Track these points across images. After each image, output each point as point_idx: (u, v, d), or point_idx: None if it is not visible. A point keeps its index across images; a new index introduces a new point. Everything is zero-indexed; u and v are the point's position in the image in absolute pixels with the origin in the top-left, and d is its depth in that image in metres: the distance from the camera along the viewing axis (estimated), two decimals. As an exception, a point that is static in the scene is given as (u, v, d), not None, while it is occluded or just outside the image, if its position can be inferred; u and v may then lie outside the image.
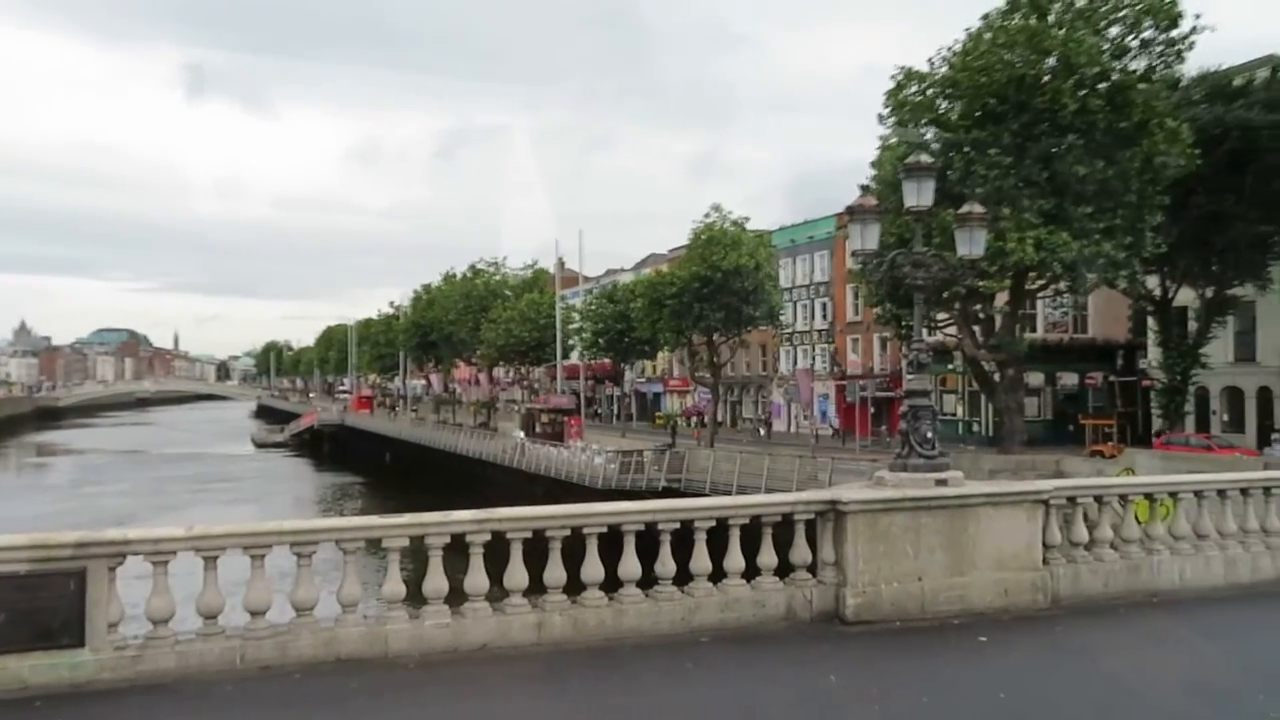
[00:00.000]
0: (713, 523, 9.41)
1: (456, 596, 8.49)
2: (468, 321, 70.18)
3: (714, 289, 41.38)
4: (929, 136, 28.18)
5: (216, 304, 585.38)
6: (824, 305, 64.26)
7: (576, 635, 8.69)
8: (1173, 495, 11.69)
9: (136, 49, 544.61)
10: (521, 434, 56.20)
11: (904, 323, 31.57)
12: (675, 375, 75.82)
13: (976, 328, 30.64)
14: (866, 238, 10.33)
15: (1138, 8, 26.70)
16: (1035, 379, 51.31)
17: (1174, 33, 26.91)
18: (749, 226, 45.24)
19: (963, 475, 10.58)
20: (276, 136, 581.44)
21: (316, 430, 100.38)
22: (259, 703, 7.19)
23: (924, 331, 11.20)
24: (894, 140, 28.88)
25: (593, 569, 8.89)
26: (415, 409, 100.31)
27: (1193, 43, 27.00)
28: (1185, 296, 40.09)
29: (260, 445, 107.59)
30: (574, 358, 68.55)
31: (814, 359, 64.25)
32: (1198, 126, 32.07)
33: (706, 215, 44.47)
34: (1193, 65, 33.03)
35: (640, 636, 8.82)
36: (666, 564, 9.20)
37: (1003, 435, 31.36)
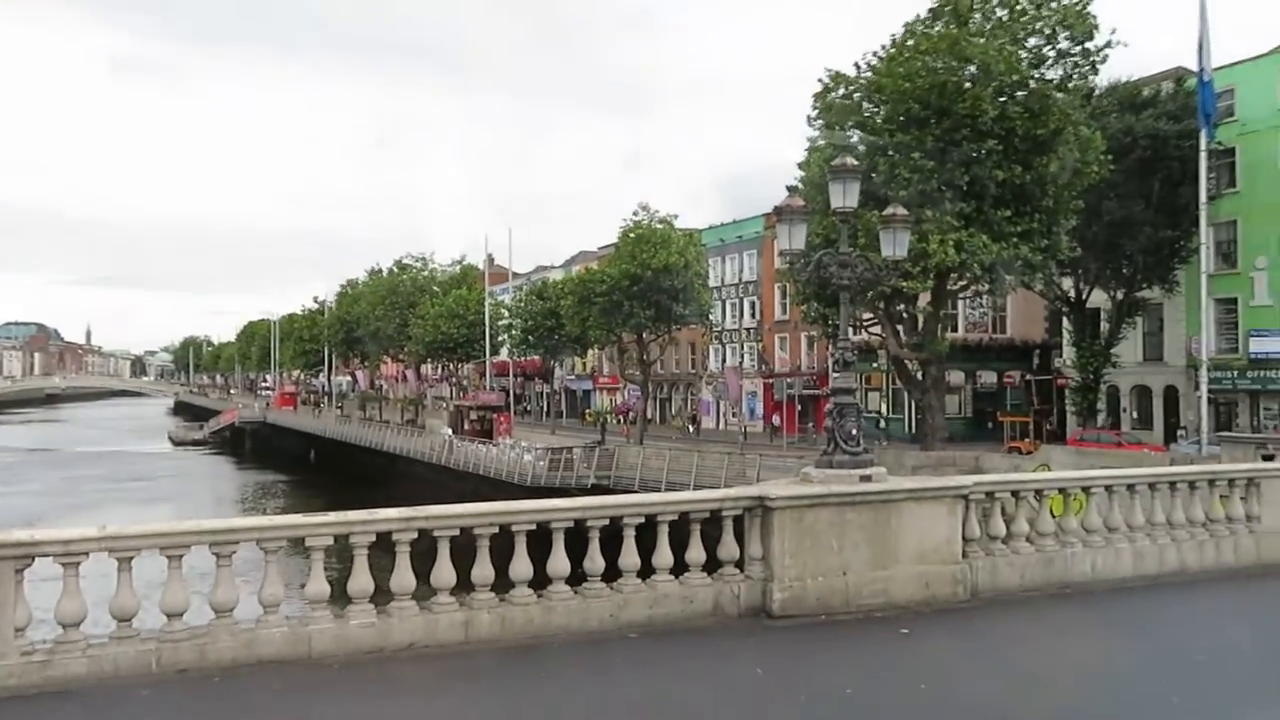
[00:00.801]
0: (641, 519, 9.46)
1: (383, 596, 8.40)
2: (394, 317, 69.31)
3: (643, 287, 41.54)
4: (855, 139, 28.69)
5: (132, 297, 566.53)
6: (752, 304, 64.93)
7: (504, 633, 8.66)
8: (1085, 490, 12.13)
9: (49, 29, 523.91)
10: (449, 431, 55.72)
11: (830, 321, 32.09)
12: (605, 372, 75.84)
13: (900, 327, 31.32)
14: (794, 238, 10.49)
15: (1055, 19, 27.58)
16: (956, 377, 52.54)
17: (1089, 44, 27.87)
18: (680, 225, 45.57)
19: (886, 471, 10.80)
20: (195, 124, 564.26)
21: (238, 428, 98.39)
22: (175, 707, 7.01)
23: (850, 330, 11.40)
24: (821, 142, 29.37)
25: (521, 566, 8.87)
26: (340, 406, 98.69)
27: (1106, 55, 28.04)
28: (1098, 298, 41.59)
29: (178, 443, 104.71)
30: (503, 354, 68.12)
31: (742, 357, 64.87)
32: (1108, 135, 33.23)
33: (635, 213, 44.72)
34: (1104, 76, 34.29)
35: (569, 634, 8.83)
36: (595, 561, 9.22)
37: (925, 432, 32.13)
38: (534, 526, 8.95)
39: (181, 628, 7.64)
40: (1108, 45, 27.82)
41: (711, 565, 9.80)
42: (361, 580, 8.26)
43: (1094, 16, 27.43)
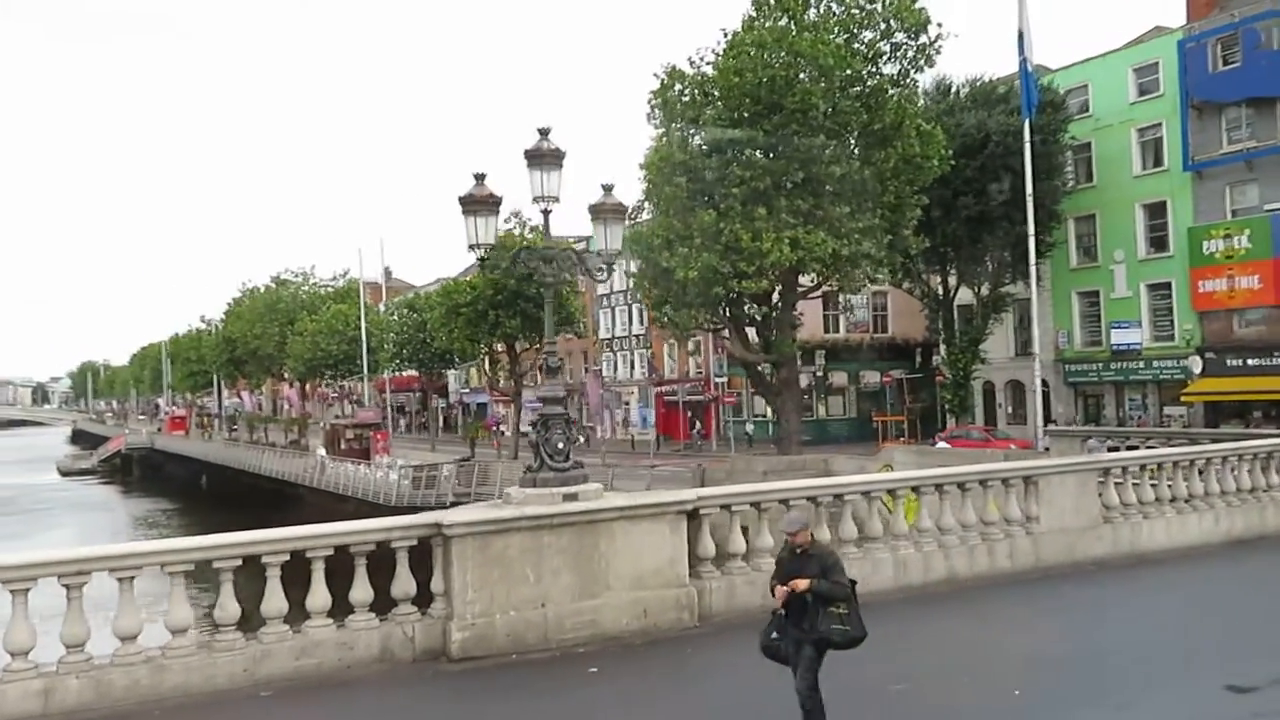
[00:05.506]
0: (286, 556, 8.28)
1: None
2: (273, 335, 66.69)
3: (509, 296, 40.21)
4: (697, 139, 27.94)
5: (31, 320, 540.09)
6: (640, 310, 64.04)
7: (100, 701, 7.41)
8: (838, 497, 11.28)
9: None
10: (323, 451, 53.69)
11: (681, 328, 31.39)
12: (502, 384, 74.18)
13: (751, 329, 30.59)
14: (483, 230, 9.44)
15: (888, 13, 27.12)
16: (839, 378, 52.51)
17: (923, 39, 27.51)
18: (565, 232, 44.39)
19: (600, 487, 9.81)
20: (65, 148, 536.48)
21: (125, 454, 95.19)
22: None
23: (554, 334, 10.35)
24: (663, 140, 28.50)
25: (127, 621, 7.63)
26: (233, 428, 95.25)
27: (940, 47, 27.74)
28: (967, 295, 41.58)
29: (66, 473, 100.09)
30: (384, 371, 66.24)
31: (633, 364, 64.02)
32: (962, 131, 33.10)
33: (506, 221, 43.29)
34: (961, 74, 34.20)
35: (187, 695, 7.63)
36: (228, 608, 8.06)
37: (780, 435, 31.49)
38: (136, 572, 7.70)
39: None
40: (939, 38, 27.53)
41: (391, 605, 8.71)
42: (-103, 651, 6.93)
43: (925, 10, 27.09)
